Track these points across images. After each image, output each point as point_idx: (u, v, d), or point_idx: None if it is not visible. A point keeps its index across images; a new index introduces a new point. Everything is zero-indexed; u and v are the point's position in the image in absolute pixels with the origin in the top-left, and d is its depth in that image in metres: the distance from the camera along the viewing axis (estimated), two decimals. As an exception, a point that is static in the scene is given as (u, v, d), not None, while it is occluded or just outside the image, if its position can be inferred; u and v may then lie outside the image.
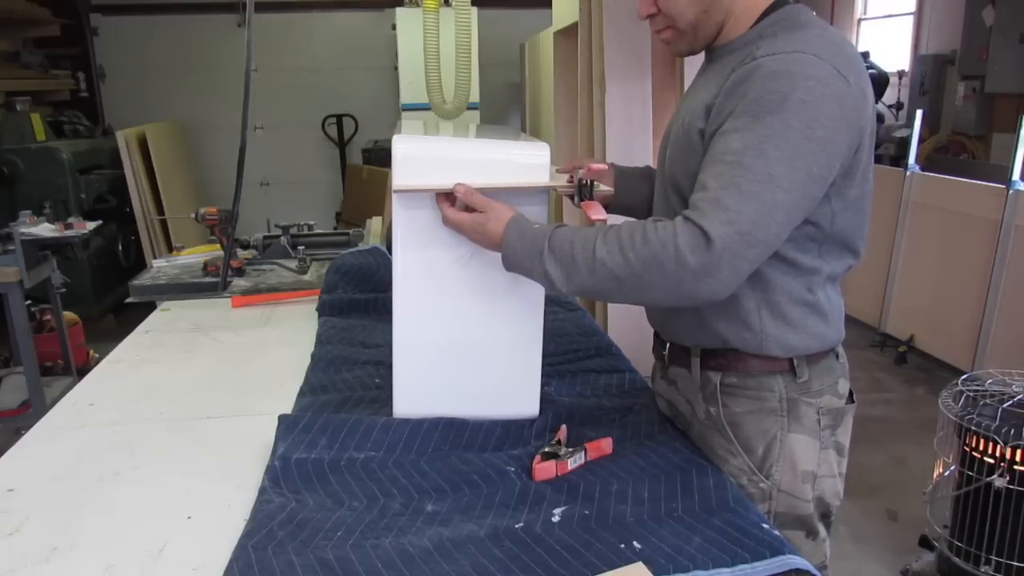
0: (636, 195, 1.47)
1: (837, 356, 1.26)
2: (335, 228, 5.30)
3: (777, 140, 1.02)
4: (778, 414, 1.19)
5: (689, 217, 1.03)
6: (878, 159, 5.84)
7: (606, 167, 1.46)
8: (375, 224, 3.42)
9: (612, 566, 0.97)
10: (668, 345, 1.31)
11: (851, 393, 1.27)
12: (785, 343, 1.17)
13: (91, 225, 3.32)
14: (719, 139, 1.07)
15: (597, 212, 1.24)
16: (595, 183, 1.29)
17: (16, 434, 2.25)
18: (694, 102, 1.17)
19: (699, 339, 1.23)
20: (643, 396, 1.50)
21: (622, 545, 1.02)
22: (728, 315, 1.17)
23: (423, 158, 1.24)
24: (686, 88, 1.52)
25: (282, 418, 1.32)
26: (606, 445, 1.26)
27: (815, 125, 1.03)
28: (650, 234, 1.04)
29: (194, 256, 2.67)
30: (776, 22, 1.13)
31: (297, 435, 1.27)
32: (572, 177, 1.29)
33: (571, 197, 1.30)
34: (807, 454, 1.20)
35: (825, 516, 1.25)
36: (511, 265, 1.16)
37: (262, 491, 1.15)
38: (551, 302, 2.05)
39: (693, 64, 4.15)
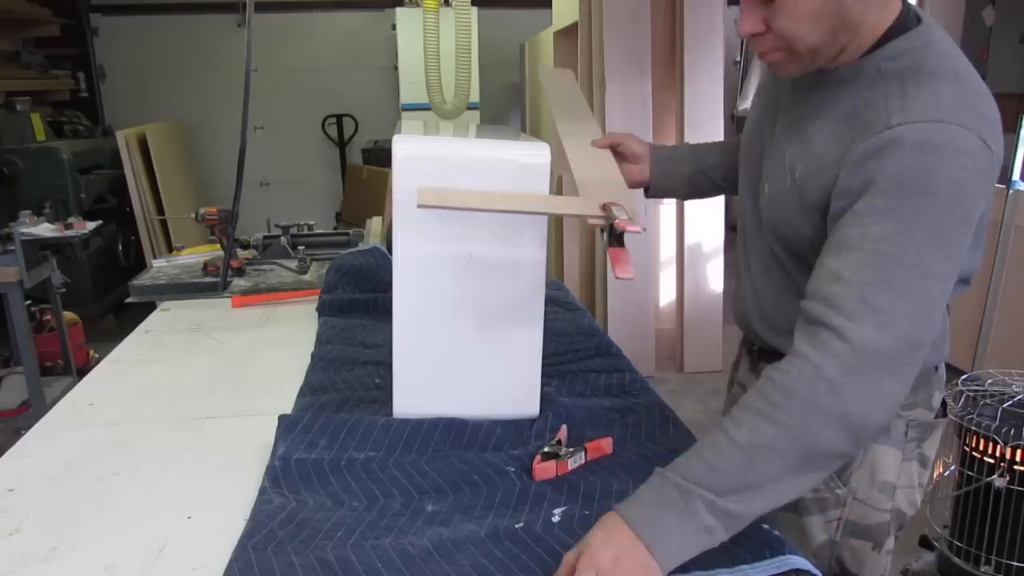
0: (676, 179, 1.42)
1: (936, 368, 1.21)
2: (335, 228, 5.30)
3: (928, 226, 0.89)
4: None
5: (828, 324, 0.90)
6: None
7: (644, 149, 1.42)
8: (375, 224, 3.42)
9: (613, 566, 0.97)
10: (756, 346, 1.28)
11: (944, 405, 1.22)
12: None
13: (91, 225, 3.32)
14: (852, 220, 0.93)
15: (624, 269, 1.03)
16: (624, 234, 1.06)
17: (16, 434, 2.25)
18: (808, 151, 1.04)
19: (783, 348, 1.11)
20: (643, 396, 1.50)
21: (623, 545, 1.01)
22: None
23: (423, 158, 1.24)
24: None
25: (282, 418, 1.32)
26: (606, 445, 1.26)
27: (967, 206, 0.92)
28: (787, 383, 0.90)
29: (194, 256, 2.67)
30: (904, 66, 0.97)
31: (297, 435, 1.27)
32: (606, 207, 1.09)
33: (601, 230, 1.09)
34: (888, 465, 1.17)
35: (900, 527, 1.22)
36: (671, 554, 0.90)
37: (262, 491, 1.15)
38: (551, 302, 2.06)
39: (693, 65, 4.16)
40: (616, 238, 1.04)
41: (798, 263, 1.11)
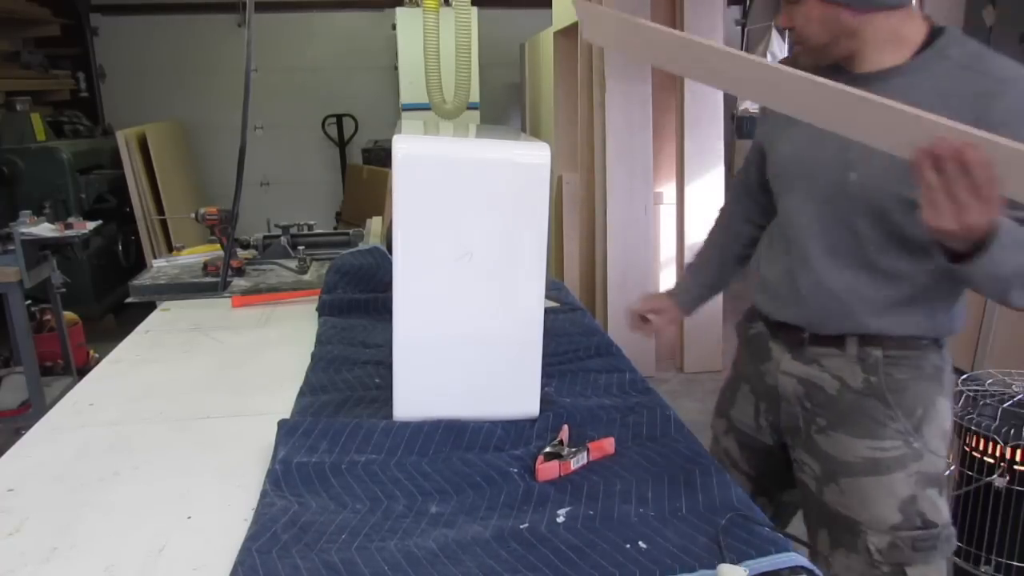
0: (713, 290, 1.70)
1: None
2: (335, 228, 5.30)
3: None
4: (934, 380, 1.33)
5: None
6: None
7: (664, 302, 1.68)
8: (375, 224, 3.42)
9: (618, 566, 0.97)
10: (807, 333, 1.38)
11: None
12: (939, 324, 1.32)
13: (91, 225, 3.32)
14: None
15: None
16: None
17: (16, 434, 2.25)
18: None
19: (851, 329, 1.33)
20: (644, 396, 1.50)
21: (627, 545, 1.01)
22: (882, 314, 1.30)
23: (424, 157, 1.24)
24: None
25: (282, 423, 1.31)
26: (608, 445, 1.26)
27: None
28: None
29: (194, 256, 2.67)
30: (964, 50, 1.21)
31: (297, 439, 1.27)
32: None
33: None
34: (947, 416, 1.35)
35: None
36: (993, 263, 1.03)
37: (264, 494, 1.14)
38: (551, 302, 2.05)
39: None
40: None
41: (888, 239, 1.26)
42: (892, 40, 1.23)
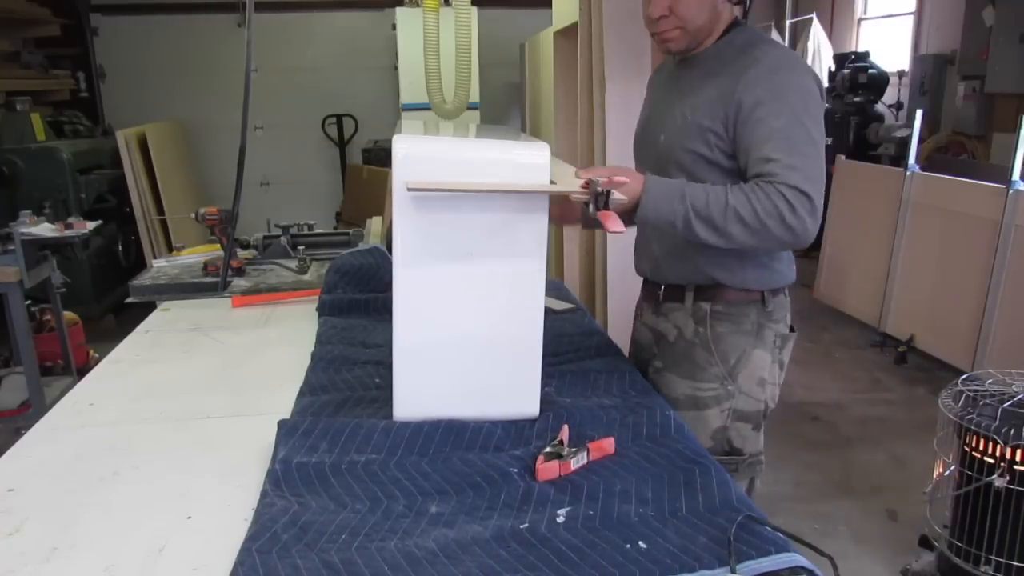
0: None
1: (786, 294, 1.64)
2: (335, 228, 5.30)
3: (804, 113, 1.41)
4: (750, 334, 1.58)
5: (779, 181, 1.35)
6: (878, 159, 5.84)
7: (627, 180, 1.59)
8: (375, 224, 3.42)
9: (618, 566, 0.97)
10: (663, 287, 1.65)
11: (791, 326, 1.66)
12: (758, 279, 1.57)
13: (91, 225, 3.32)
14: (759, 123, 1.41)
15: (614, 224, 1.24)
16: (611, 192, 1.25)
17: (16, 434, 2.25)
18: (697, 98, 1.52)
19: (694, 279, 1.59)
20: (644, 396, 1.50)
21: (628, 545, 1.01)
22: (719, 261, 1.54)
23: (423, 158, 1.24)
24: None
25: (282, 423, 1.31)
26: (608, 445, 1.26)
27: (819, 99, 1.46)
28: (768, 192, 1.35)
29: (194, 256, 2.67)
30: (747, 39, 1.52)
31: (297, 439, 1.27)
32: (587, 183, 1.27)
33: (586, 204, 1.27)
34: (763, 365, 1.59)
35: (766, 415, 1.63)
36: (649, 205, 1.38)
37: (264, 494, 1.14)
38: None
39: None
40: (604, 199, 1.25)
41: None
42: (721, 25, 1.54)
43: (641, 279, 1.78)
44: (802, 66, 1.49)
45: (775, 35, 7.46)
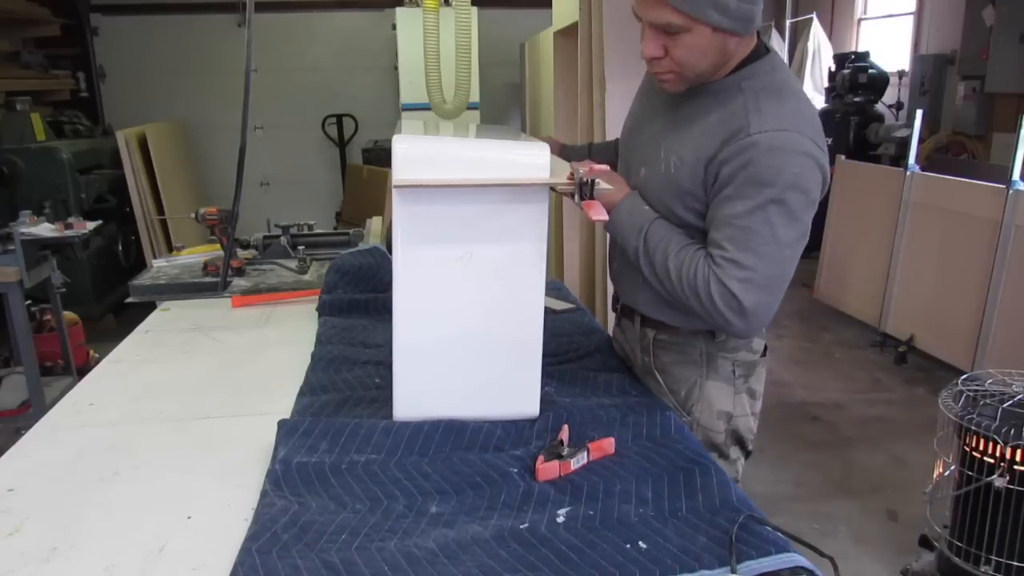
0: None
1: None
2: (335, 228, 5.30)
3: (779, 206, 1.25)
4: (698, 365, 1.48)
5: (718, 276, 1.27)
6: (878, 159, 5.84)
7: (556, 147, 1.60)
8: (375, 224, 3.42)
9: (618, 566, 0.97)
10: (620, 303, 1.61)
11: (765, 348, 1.53)
12: (693, 322, 1.45)
13: (91, 225, 3.32)
14: (725, 203, 1.28)
15: (598, 212, 1.25)
16: (596, 181, 1.28)
17: (16, 434, 2.25)
18: (684, 150, 1.36)
19: (638, 304, 1.52)
20: (643, 395, 1.50)
21: (627, 545, 1.02)
22: (667, 306, 1.45)
23: (423, 158, 1.24)
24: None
25: (282, 423, 1.31)
26: (608, 445, 1.26)
27: (807, 190, 1.27)
28: (706, 275, 1.28)
29: (194, 256, 2.66)
30: (759, 86, 1.31)
31: (297, 439, 1.27)
32: (572, 175, 1.29)
33: (571, 195, 1.30)
34: (722, 398, 1.48)
35: (740, 444, 1.52)
36: (614, 228, 1.39)
37: (263, 494, 1.14)
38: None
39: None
40: (588, 189, 1.26)
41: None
42: (734, 60, 1.34)
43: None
44: (805, 147, 1.26)
45: (775, 35, 7.47)
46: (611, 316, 1.76)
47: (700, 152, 1.32)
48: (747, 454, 1.55)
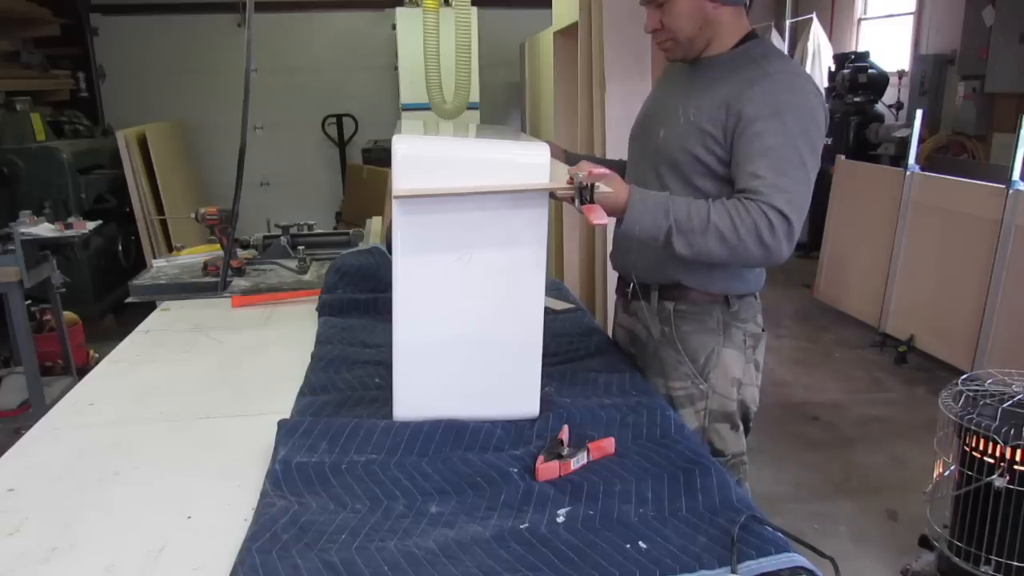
0: None
1: (756, 297, 1.65)
2: (335, 228, 5.30)
3: (801, 136, 1.40)
4: (716, 333, 1.59)
5: (762, 200, 1.36)
6: (878, 159, 5.84)
7: (560, 155, 1.62)
8: (375, 224, 3.42)
9: (618, 566, 0.97)
10: (632, 285, 1.65)
11: (762, 327, 1.67)
12: (724, 284, 1.58)
13: (91, 225, 3.32)
14: (754, 138, 1.41)
15: (598, 217, 1.26)
16: (596, 185, 1.28)
17: (16, 434, 2.25)
18: (702, 101, 1.51)
19: (659, 279, 1.61)
20: (643, 395, 1.50)
21: (627, 545, 1.02)
22: (686, 265, 1.53)
23: (423, 158, 1.24)
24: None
25: (282, 423, 1.31)
26: (608, 445, 1.26)
27: (819, 122, 1.45)
28: (750, 210, 1.36)
29: (194, 256, 2.66)
30: (766, 50, 1.53)
31: (297, 439, 1.27)
32: (571, 179, 1.29)
33: (571, 200, 1.30)
34: (735, 365, 1.60)
35: (745, 417, 1.64)
36: (634, 219, 1.37)
37: (264, 494, 1.14)
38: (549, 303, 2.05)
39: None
40: (588, 194, 1.27)
41: (685, 187, 1.53)
42: (728, 34, 1.54)
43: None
44: (811, 90, 1.47)
45: (775, 35, 7.47)
46: (611, 304, 1.80)
47: (719, 97, 1.47)
48: (747, 430, 1.66)
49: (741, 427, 1.63)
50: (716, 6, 1.50)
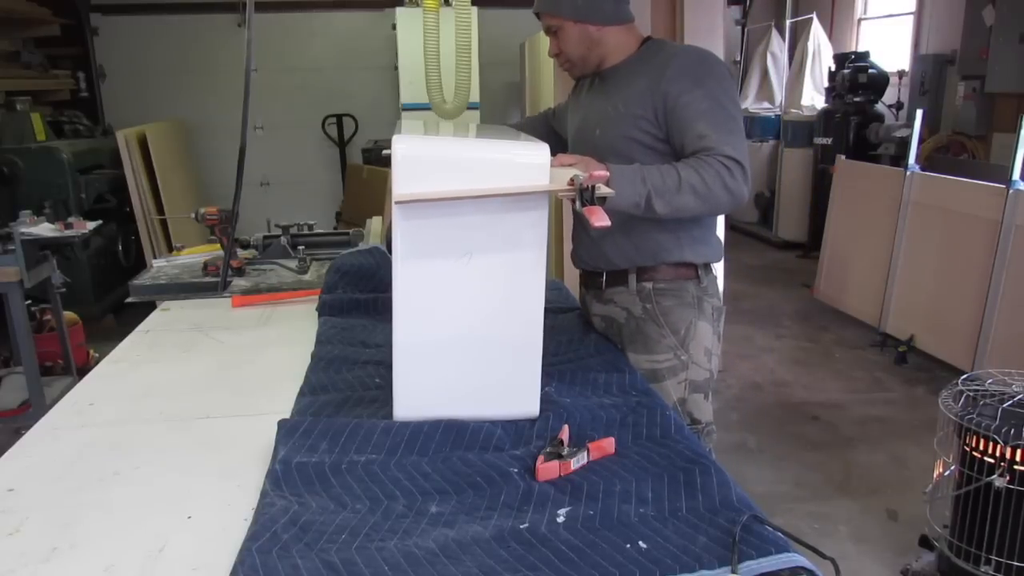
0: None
1: (713, 272, 1.82)
2: (335, 228, 5.29)
3: (724, 97, 1.62)
4: (692, 307, 1.75)
5: (716, 153, 1.53)
6: (878, 159, 5.84)
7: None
8: (375, 224, 3.41)
9: (618, 566, 0.97)
10: (605, 275, 1.80)
11: (723, 302, 1.84)
12: (695, 253, 1.74)
13: (91, 225, 3.32)
14: (688, 108, 1.60)
15: (599, 219, 1.26)
16: (596, 187, 1.29)
17: (16, 434, 2.25)
18: (625, 94, 1.70)
19: (635, 260, 1.75)
20: (644, 395, 1.50)
21: (628, 545, 1.02)
22: (657, 240, 1.71)
23: (423, 158, 1.24)
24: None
25: (282, 423, 1.31)
26: (608, 445, 1.26)
27: (729, 79, 1.69)
28: (710, 163, 1.52)
29: (194, 256, 2.66)
30: (660, 43, 1.76)
31: (297, 439, 1.27)
32: (572, 180, 1.30)
33: (572, 201, 1.31)
34: (707, 335, 1.76)
35: (712, 386, 1.79)
36: (616, 192, 1.42)
37: (264, 494, 1.14)
38: (550, 302, 2.05)
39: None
40: (589, 195, 1.30)
41: None
42: (621, 46, 1.75)
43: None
44: (713, 57, 1.70)
45: (775, 35, 7.47)
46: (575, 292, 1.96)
47: (640, 87, 1.67)
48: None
49: (711, 396, 1.79)
50: (599, 28, 1.71)
